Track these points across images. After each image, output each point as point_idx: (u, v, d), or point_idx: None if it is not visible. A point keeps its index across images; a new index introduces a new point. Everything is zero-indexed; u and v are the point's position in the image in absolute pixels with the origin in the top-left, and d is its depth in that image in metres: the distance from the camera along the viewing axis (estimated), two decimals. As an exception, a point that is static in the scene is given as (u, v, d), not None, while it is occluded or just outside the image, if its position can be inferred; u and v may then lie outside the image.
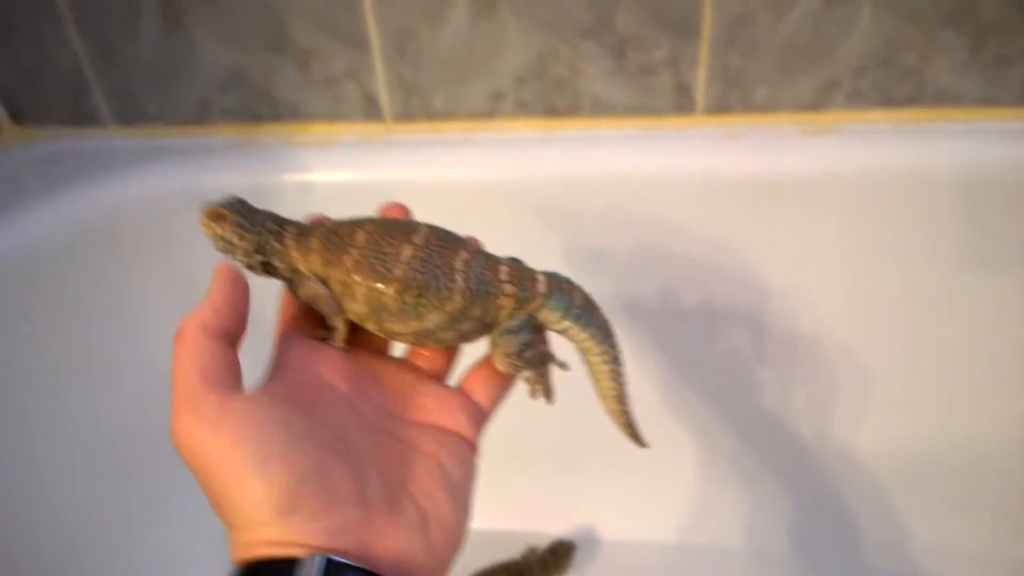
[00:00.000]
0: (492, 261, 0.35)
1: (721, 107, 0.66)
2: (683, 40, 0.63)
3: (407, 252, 0.33)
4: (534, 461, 0.81)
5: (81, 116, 0.75)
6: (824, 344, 0.70)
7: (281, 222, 0.35)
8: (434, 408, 0.34)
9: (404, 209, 0.37)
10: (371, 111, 0.70)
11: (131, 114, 0.74)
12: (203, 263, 0.72)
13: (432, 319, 0.33)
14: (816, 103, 0.65)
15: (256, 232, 0.35)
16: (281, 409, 0.28)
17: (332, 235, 0.34)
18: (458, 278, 0.33)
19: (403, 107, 0.70)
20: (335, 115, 0.71)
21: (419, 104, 0.70)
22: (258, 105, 0.72)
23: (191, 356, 0.28)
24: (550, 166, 0.67)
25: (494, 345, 0.35)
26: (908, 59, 0.63)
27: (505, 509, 0.78)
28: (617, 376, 0.38)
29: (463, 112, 0.69)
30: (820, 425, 0.74)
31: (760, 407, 0.74)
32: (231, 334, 0.30)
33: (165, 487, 0.74)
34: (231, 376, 0.28)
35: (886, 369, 0.70)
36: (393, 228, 0.34)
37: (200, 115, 0.73)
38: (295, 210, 0.70)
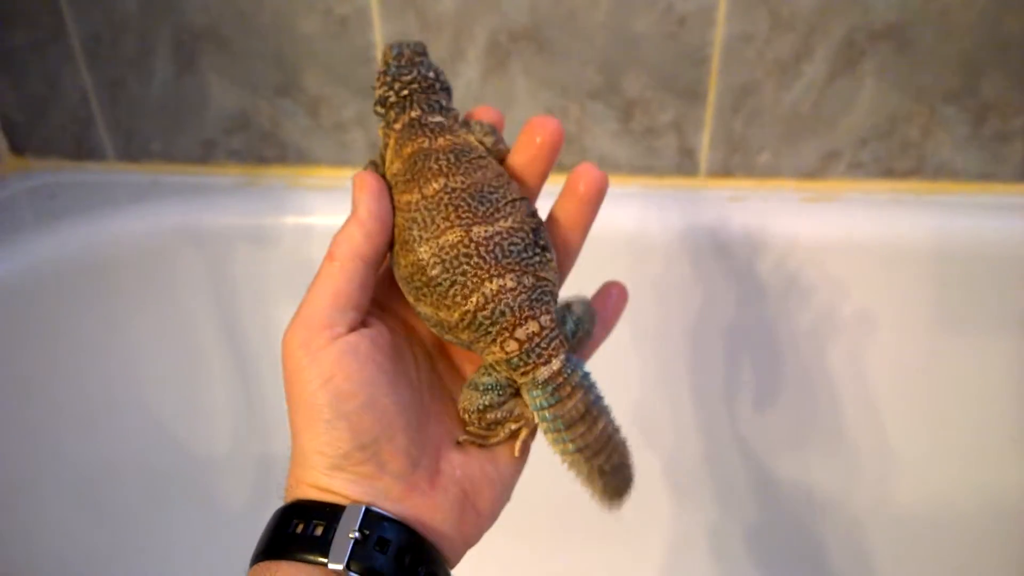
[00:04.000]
0: (532, 310, 0.29)
1: (724, 170, 0.67)
2: (689, 105, 0.64)
3: (452, 238, 0.29)
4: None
5: (84, 150, 0.74)
6: (822, 407, 0.70)
7: (419, 100, 0.33)
8: None
9: (497, 115, 0.34)
10: (376, 158, 0.71)
11: (135, 151, 0.74)
12: (198, 302, 0.73)
13: (423, 309, 0.31)
14: (817, 171, 0.66)
15: (391, 87, 0.33)
16: (375, 363, 0.28)
17: (421, 159, 0.31)
18: (474, 299, 0.29)
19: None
20: (341, 160, 0.71)
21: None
22: (264, 147, 0.72)
23: (333, 277, 0.29)
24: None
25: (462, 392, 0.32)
26: (909, 133, 0.64)
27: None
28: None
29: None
30: (819, 492, 0.73)
31: (759, 471, 0.73)
32: (379, 255, 0.30)
33: (155, 523, 0.73)
34: (361, 299, 0.29)
35: (881, 433, 0.70)
36: (477, 200, 0.30)
37: (205, 155, 0.73)
38: (295, 253, 0.71)
